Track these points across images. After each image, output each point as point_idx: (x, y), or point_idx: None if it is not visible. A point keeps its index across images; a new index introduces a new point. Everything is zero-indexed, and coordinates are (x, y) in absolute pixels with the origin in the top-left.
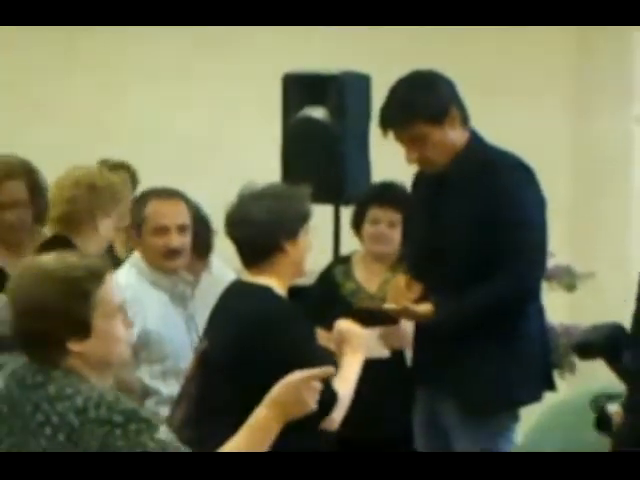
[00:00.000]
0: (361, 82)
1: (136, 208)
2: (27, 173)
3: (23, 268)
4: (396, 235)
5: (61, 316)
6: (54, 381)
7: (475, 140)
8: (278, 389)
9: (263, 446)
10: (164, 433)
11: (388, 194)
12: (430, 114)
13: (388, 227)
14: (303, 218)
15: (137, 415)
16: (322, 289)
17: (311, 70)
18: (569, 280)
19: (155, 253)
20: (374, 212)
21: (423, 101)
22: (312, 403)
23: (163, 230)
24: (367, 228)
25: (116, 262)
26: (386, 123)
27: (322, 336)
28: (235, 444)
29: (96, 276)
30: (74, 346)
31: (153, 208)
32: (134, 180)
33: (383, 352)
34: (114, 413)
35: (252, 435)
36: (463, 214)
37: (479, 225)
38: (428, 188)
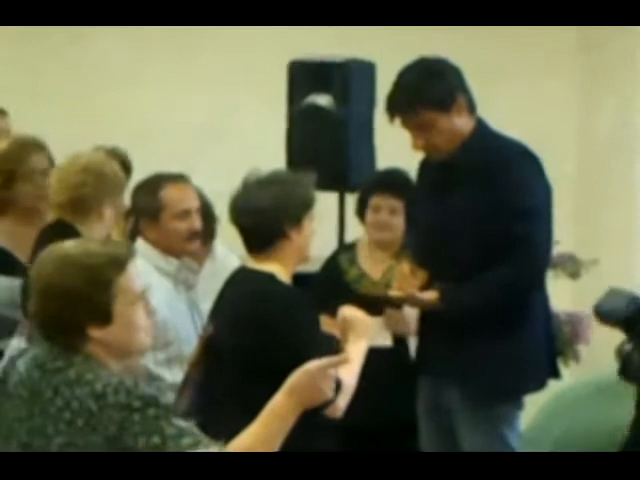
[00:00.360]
0: (366, 69)
1: (148, 195)
2: (46, 148)
3: (46, 254)
4: (398, 222)
5: (82, 302)
6: (74, 366)
7: (482, 128)
8: (296, 377)
9: (281, 434)
10: (182, 419)
11: (389, 181)
12: (437, 101)
13: (389, 214)
14: (307, 205)
15: (156, 401)
16: (327, 275)
17: (317, 57)
18: (573, 268)
19: (177, 237)
20: (376, 200)
21: (430, 87)
22: (329, 391)
23: (185, 214)
24: (369, 216)
25: None
26: (393, 109)
27: (326, 323)
28: (254, 432)
29: (118, 263)
30: (94, 332)
31: (171, 193)
32: (127, 167)
33: (386, 341)
34: (133, 398)
35: (270, 423)
36: (469, 202)
37: (485, 213)
38: (434, 176)
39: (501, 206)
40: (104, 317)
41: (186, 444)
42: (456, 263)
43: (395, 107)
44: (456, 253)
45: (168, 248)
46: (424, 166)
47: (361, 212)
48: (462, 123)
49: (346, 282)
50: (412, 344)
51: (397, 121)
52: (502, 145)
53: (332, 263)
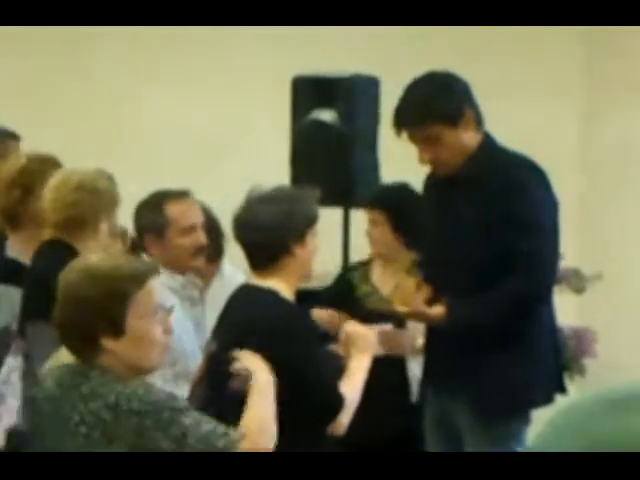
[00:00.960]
0: (370, 85)
1: (153, 212)
2: (62, 165)
3: (73, 264)
4: (380, 235)
5: (97, 312)
6: (89, 381)
7: (488, 142)
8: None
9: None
10: (197, 413)
11: (373, 195)
12: (445, 115)
13: (372, 227)
14: (310, 220)
15: (167, 403)
16: (337, 290)
17: (321, 73)
18: (578, 283)
19: (183, 253)
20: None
21: (438, 102)
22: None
23: (191, 229)
24: None
25: None
26: (400, 123)
27: (317, 313)
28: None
29: (138, 278)
30: (108, 343)
31: (176, 209)
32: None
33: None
34: (144, 404)
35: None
36: (476, 216)
37: (492, 227)
38: (440, 190)
39: (508, 220)
40: (117, 328)
41: (207, 430)
42: (463, 278)
43: (403, 121)
44: (463, 268)
45: (173, 264)
46: (430, 181)
47: None
48: (469, 137)
49: (356, 298)
50: (410, 364)
51: (403, 135)
52: (509, 159)
53: (343, 279)
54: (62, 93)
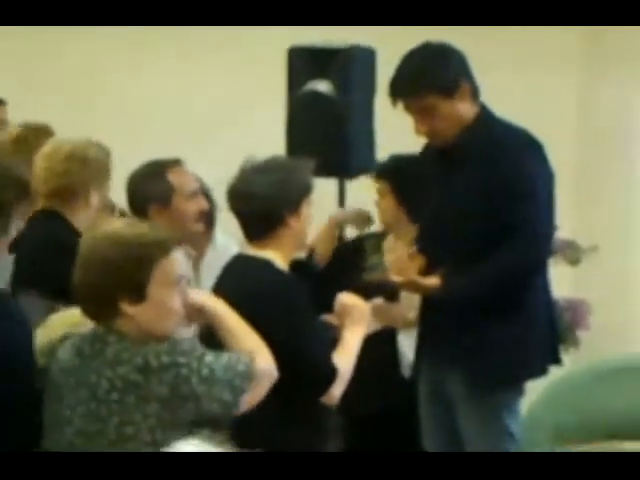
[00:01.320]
0: (366, 56)
1: (156, 181)
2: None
3: (95, 229)
4: (387, 206)
5: (119, 275)
6: (110, 346)
7: (485, 114)
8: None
9: None
10: (210, 351)
11: (381, 165)
12: (440, 86)
13: (379, 197)
14: (305, 191)
15: (194, 350)
16: (347, 256)
17: (316, 43)
18: (573, 255)
19: (189, 219)
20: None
21: (434, 72)
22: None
23: (194, 194)
24: None
25: None
26: (396, 93)
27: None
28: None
29: (163, 246)
30: (126, 308)
31: (179, 176)
32: None
33: (374, 325)
34: (176, 355)
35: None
36: (471, 187)
37: (487, 198)
38: (436, 162)
39: (503, 191)
40: (138, 294)
41: (226, 360)
42: (458, 248)
43: (399, 91)
44: (458, 238)
45: (179, 231)
46: (426, 152)
47: None
48: (465, 109)
49: (363, 267)
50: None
51: (399, 106)
52: (505, 131)
53: (358, 244)
54: (60, 61)
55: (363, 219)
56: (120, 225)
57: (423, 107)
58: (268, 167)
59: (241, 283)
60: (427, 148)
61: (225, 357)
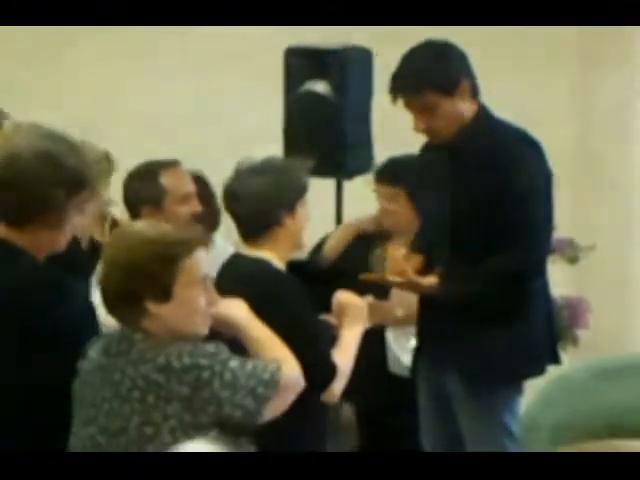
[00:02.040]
0: (363, 56)
1: (148, 183)
2: None
3: (119, 229)
4: (400, 209)
5: (144, 275)
6: (135, 345)
7: (484, 113)
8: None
9: None
10: (236, 356)
11: (385, 170)
12: (441, 84)
13: (388, 202)
14: (300, 191)
15: (217, 354)
16: (356, 249)
17: (314, 44)
18: (572, 253)
19: (180, 222)
20: (377, 190)
21: (435, 70)
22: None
23: (187, 197)
24: None
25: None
26: (396, 90)
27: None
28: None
29: (187, 245)
30: (152, 307)
31: (172, 178)
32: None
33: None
34: (198, 357)
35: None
36: (469, 186)
37: (485, 198)
38: (434, 161)
39: (501, 191)
40: (164, 293)
41: (251, 367)
42: (456, 248)
43: (399, 89)
44: (456, 238)
45: None
46: (425, 151)
47: None
48: (465, 108)
49: (370, 263)
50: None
51: (399, 103)
52: (503, 130)
53: (363, 246)
54: (58, 60)
55: (379, 227)
56: (144, 225)
57: (423, 105)
58: (263, 168)
59: (238, 281)
60: (426, 148)
61: (251, 364)
